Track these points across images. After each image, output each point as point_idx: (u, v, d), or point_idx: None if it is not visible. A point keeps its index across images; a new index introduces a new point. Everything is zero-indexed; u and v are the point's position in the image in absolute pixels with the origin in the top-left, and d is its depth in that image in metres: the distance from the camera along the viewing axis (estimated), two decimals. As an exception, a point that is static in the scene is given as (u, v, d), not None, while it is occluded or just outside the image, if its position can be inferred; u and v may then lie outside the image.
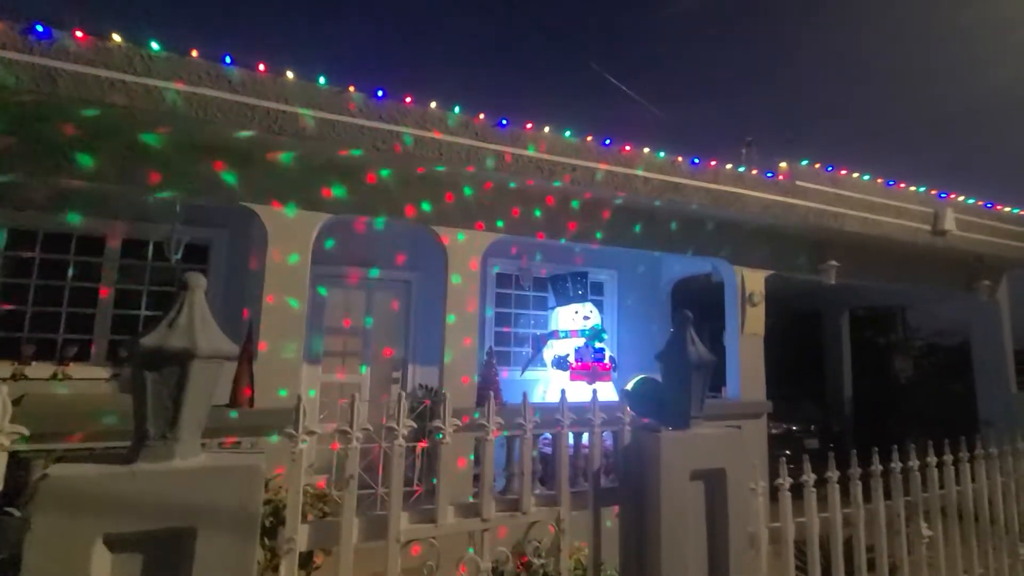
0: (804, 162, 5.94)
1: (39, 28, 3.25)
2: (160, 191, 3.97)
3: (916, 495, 2.71)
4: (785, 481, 2.24)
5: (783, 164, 5.89)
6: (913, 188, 6.58)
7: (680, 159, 5.19)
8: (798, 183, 5.81)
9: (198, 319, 1.11)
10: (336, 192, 4.39)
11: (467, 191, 4.80)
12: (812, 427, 8.56)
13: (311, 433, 1.55)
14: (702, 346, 1.83)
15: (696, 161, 5.27)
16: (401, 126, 4.14)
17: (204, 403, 1.11)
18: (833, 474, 2.37)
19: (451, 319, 4.69)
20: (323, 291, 5.98)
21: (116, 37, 3.42)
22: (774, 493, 2.25)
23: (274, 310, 4.15)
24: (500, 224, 4.93)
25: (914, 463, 2.76)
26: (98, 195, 4.92)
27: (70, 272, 5.18)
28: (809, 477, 2.30)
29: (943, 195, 6.76)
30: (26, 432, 1.13)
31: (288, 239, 4.24)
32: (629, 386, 1.93)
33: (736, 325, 6.03)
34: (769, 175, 5.69)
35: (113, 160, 3.83)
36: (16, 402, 4.18)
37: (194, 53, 3.62)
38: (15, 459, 3.60)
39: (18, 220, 5.01)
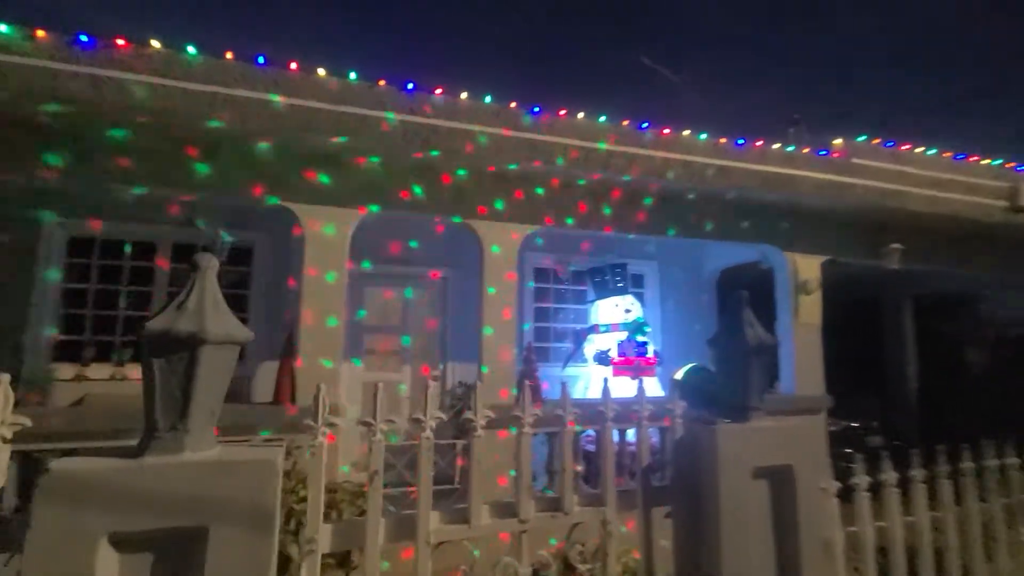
0: (861, 138, 5.52)
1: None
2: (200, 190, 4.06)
3: (1017, 497, 2.39)
4: (862, 479, 1.99)
5: (838, 141, 5.49)
6: (986, 161, 6.01)
7: (724, 140, 4.91)
8: (855, 161, 5.41)
9: (209, 302, 1.04)
10: (366, 190, 4.37)
11: (500, 184, 4.70)
12: (874, 423, 8.00)
13: (331, 425, 1.48)
14: (760, 328, 1.65)
15: (741, 142, 4.97)
16: (432, 119, 4.07)
17: (217, 392, 1.04)
18: (918, 472, 2.10)
19: (487, 316, 4.60)
20: (362, 293, 6.01)
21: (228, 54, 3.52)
22: (844, 494, 2.01)
23: (315, 302, 4.17)
24: (535, 217, 4.80)
25: (1011, 461, 2.44)
26: (149, 201, 5.11)
27: (126, 278, 5.39)
28: (890, 476, 2.05)
29: (1022, 168, 6.16)
30: (28, 423, 1.08)
31: (324, 240, 4.25)
32: (679, 375, 1.76)
33: (789, 315, 5.67)
34: (823, 153, 5.31)
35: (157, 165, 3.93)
36: (78, 401, 4.37)
37: (229, 56, 3.67)
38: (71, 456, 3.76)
39: (78, 229, 5.25)
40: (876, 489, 2.05)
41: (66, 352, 5.09)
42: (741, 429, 1.54)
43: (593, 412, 1.86)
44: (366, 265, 5.86)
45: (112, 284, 5.34)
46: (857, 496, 1.99)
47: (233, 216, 5.33)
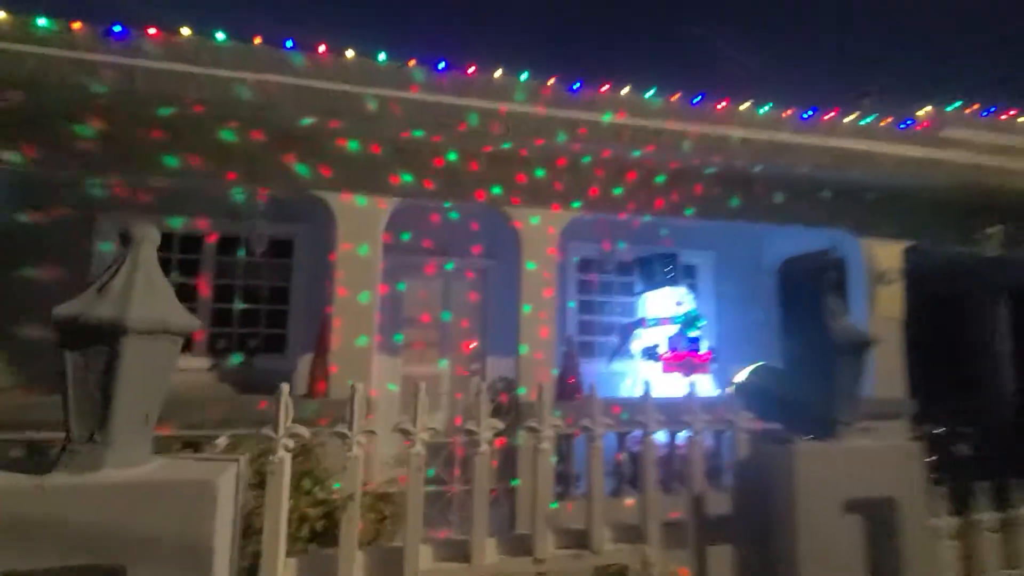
0: (953, 106, 4.84)
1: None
2: (237, 185, 4.02)
3: None
4: (984, 516, 1.54)
5: (924, 110, 4.84)
6: (1111, 129, 5.14)
7: (788, 113, 4.40)
8: (944, 133, 4.74)
9: (140, 283, 0.85)
10: (402, 177, 4.20)
11: (539, 168, 4.41)
12: (960, 430, 7.15)
13: (370, 433, 1.28)
14: (850, 321, 1.30)
15: (808, 115, 4.45)
16: (464, 98, 3.84)
17: (150, 393, 0.84)
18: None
19: (526, 308, 4.34)
20: (402, 286, 5.90)
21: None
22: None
23: (347, 297, 4.06)
24: (577, 203, 4.49)
25: None
26: (194, 194, 5.18)
27: (174, 269, 5.51)
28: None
29: None
30: (306, 433, 0.91)
31: (357, 228, 4.12)
32: (741, 377, 1.44)
33: (864, 308, 5.08)
34: (906, 124, 4.69)
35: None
36: None
37: (258, 40, 3.58)
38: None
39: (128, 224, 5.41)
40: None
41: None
42: (826, 449, 1.21)
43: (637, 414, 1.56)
44: (404, 254, 5.72)
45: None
46: (978, 536, 1.54)
47: (274, 208, 5.32)
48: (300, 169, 4.07)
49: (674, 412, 4.62)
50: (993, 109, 4.92)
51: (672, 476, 4.59)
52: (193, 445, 3.78)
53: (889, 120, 4.68)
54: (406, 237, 5.65)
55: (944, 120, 4.78)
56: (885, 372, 4.94)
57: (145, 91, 3.40)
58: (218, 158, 3.95)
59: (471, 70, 3.87)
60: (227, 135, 3.93)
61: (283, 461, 1.12)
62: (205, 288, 5.53)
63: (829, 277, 1.36)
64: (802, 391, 1.30)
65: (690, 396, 1.52)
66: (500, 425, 1.41)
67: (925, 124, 4.75)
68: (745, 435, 1.42)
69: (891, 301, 5.07)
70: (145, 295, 0.84)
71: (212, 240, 5.56)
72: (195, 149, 3.92)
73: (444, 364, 5.96)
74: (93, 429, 0.78)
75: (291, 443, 1.18)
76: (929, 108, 4.88)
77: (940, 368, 8.04)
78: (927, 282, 7.76)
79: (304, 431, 1.25)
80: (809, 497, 1.17)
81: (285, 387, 1.26)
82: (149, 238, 0.90)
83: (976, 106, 4.86)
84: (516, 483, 3.91)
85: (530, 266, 4.36)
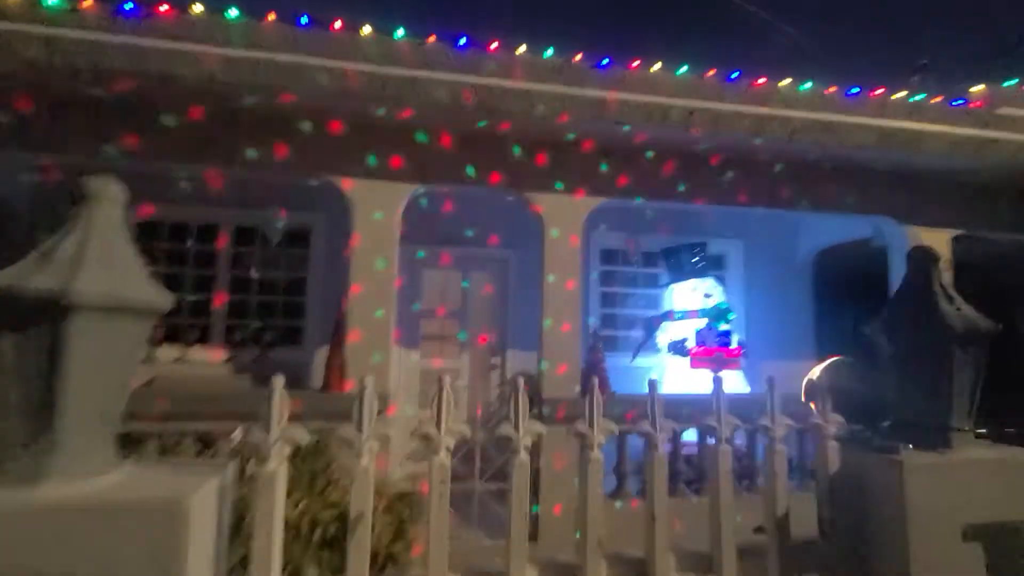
0: (1010, 82, 4.47)
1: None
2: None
3: None
4: None
5: (978, 87, 4.48)
6: None
7: (833, 89, 4.11)
8: (1001, 111, 4.39)
9: (95, 250, 0.68)
10: (410, 161, 4.02)
11: (561, 149, 4.20)
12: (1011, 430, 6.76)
13: (384, 439, 1.13)
14: (967, 305, 1.08)
15: (855, 91, 4.14)
16: (481, 76, 3.64)
17: (110, 386, 0.67)
18: None
19: (548, 299, 4.14)
20: (418, 274, 5.75)
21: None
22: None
23: (365, 282, 3.91)
24: (601, 188, 4.27)
25: None
26: (208, 184, 5.09)
27: (190, 261, 5.44)
28: None
29: None
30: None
31: (372, 214, 3.97)
32: (815, 374, 1.23)
33: (910, 300, 4.76)
34: (958, 103, 4.35)
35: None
36: (148, 384, 4.37)
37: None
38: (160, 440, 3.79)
39: (146, 212, 5.34)
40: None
41: (137, 334, 5.21)
42: (941, 463, 0.99)
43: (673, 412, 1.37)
44: (421, 247, 5.57)
45: (178, 267, 5.40)
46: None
47: (291, 196, 5.21)
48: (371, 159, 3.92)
49: (703, 410, 4.41)
50: (1054, 85, 4.54)
51: (703, 476, 4.36)
52: (206, 440, 3.69)
53: (939, 99, 4.35)
54: (422, 222, 5.49)
55: (1000, 98, 4.43)
56: (932, 369, 4.63)
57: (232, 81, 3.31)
58: (232, 144, 3.82)
59: (493, 47, 3.67)
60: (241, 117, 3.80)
61: (275, 474, 0.94)
62: (222, 280, 5.45)
63: (930, 254, 1.13)
64: (903, 392, 1.09)
65: (771, 393, 1.32)
66: (541, 429, 1.24)
67: (979, 103, 4.40)
68: (833, 442, 1.21)
69: (939, 293, 4.74)
70: (100, 264, 0.67)
71: (227, 231, 5.47)
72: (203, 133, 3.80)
73: (464, 357, 5.80)
74: (35, 431, 0.61)
75: (287, 449, 1.01)
76: (982, 86, 4.53)
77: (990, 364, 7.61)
78: (972, 273, 7.33)
79: (301, 435, 1.09)
80: (922, 521, 0.96)
81: (278, 380, 1.09)
82: (108, 195, 0.73)
83: (1035, 83, 4.49)
84: (536, 509, 3.74)
85: (552, 254, 4.16)
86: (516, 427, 1.17)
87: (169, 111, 3.67)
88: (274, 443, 0.99)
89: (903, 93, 4.22)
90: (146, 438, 3.64)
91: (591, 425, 1.19)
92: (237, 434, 3.63)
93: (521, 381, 1.29)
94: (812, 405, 1.28)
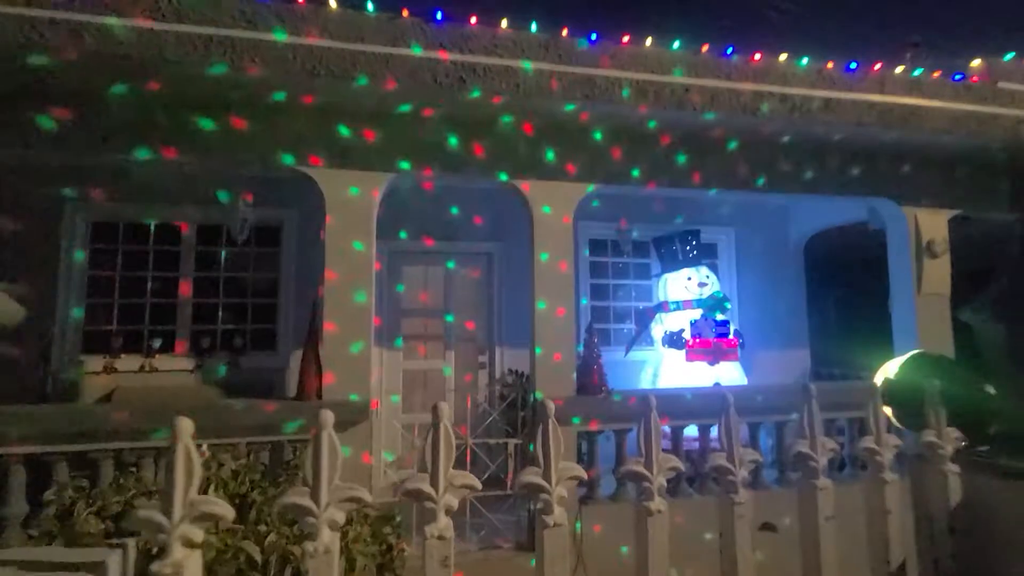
0: (1009, 56, 4.34)
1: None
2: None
3: None
4: None
5: (976, 62, 4.34)
6: None
7: (831, 65, 3.92)
8: (1001, 85, 4.25)
9: None
10: (390, 147, 3.72)
11: (548, 133, 3.93)
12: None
13: (351, 503, 0.88)
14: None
15: (853, 67, 3.96)
16: (468, 54, 3.35)
17: None
18: None
19: (539, 295, 3.88)
20: (400, 269, 5.44)
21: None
22: None
23: (341, 270, 3.60)
24: (591, 174, 4.02)
25: None
26: (171, 179, 4.71)
27: (151, 263, 5.04)
28: None
29: None
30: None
31: (349, 203, 3.66)
32: (887, 373, 0.99)
33: (910, 284, 4.63)
34: (957, 78, 4.20)
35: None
36: (108, 395, 3.98)
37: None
38: (118, 459, 3.44)
39: (101, 214, 4.93)
40: None
41: (93, 344, 4.81)
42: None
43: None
44: (402, 235, 5.25)
45: (138, 270, 5.00)
46: None
47: (259, 189, 4.85)
48: (284, 139, 3.59)
49: (705, 403, 4.20)
50: (1051, 59, 4.43)
51: (704, 475, 4.17)
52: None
53: (938, 74, 4.19)
54: (404, 215, 5.17)
55: (999, 72, 4.29)
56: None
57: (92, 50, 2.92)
58: (189, 127, 3.47)
59: (472, 21, 3.37)
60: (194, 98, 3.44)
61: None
62: (186, 282, 5.07)
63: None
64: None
65: (872, 409, 1.10)
66: (580, 473, 1.00)
67: (978, 77, 4.26)
68: (952, 466, 0.98)
69: (938, 276, 4.62)
70: None
71: (190, 230, 5.08)
72: (159, 117, 3.44)
73: (450, 355, 5.52)
74: None
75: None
76: (979, 61, 4.39)
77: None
78: (964, 255, 7.29)
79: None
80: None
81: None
82: None
83: (1032, 56, 4.37)
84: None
85: (542, 244, 3.90)
86: (547, 474, 0.90)
87: (113, 91, 3.30)
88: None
89: (902, 68, 4.05)
90: (101, 459, 3.31)
91: (649, 465, 0.91)
92: (204, 450, 3.32)
93: (550, 406, 1.04)
94: (889, 412, 1.06)
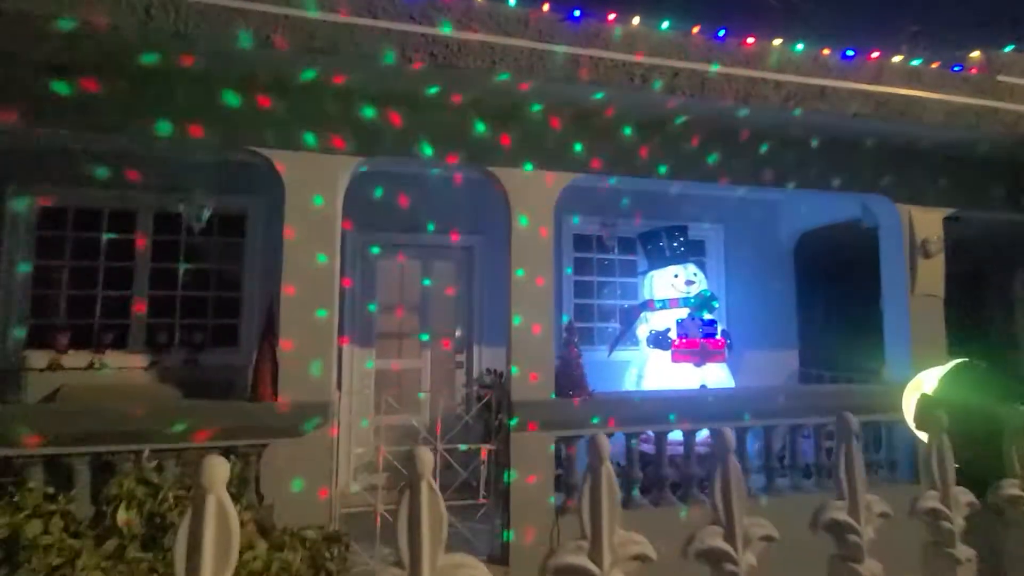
0: (1008, 48, 4.18)
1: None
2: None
3: None
4: None
5: (975, 54, 4.17)
6: None
7: (827, 52, 3.71)
8: (1001, 78, 4.09)
9: None
10: (360, 130, 3.44)
11: (530, 117, 3.68)
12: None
13: None
14: None
15: (850, 55, 3.76)
16: (435, 27, 3.07)
17: None
18: None
19: (517, 297, 3.63)
20: (374, 253, 5.15)
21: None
22: None
23: (300, 270, 3.31)
24: (575, 163, 3.78)
25: None
26: (126, 162, 4.38)
27: (103, 253, 4.70)
28: None
29: None
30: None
31: (311, 191, 3.37)
32: (929, 385, 0.77)
33: (903, 284, 4.46)
34: (956, 69, 4.02)
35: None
36: (52, 395, 3.63)
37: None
38: (56, 464, 3.11)
39: (48, 198, 4.58)
40: None
41: (39, 338, 4.46)
42: None
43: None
44: (374, 229, 4.97)
45: (88, 260, 4.66)
46: None
47: (222, 176, 4.54)
48: (235, 121, 3.29)
49: (691, 407, 3.99)
50: (1051, 53, 4.27)
51: (689, 480, 3.96)
52: (108, 466, 3.05)
53: (937, 64, 4.01)
54: (377, 205, 4.89)
55: (998, 64, 4.12)
56: (925, 355, 4.32)
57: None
58: (130, 106, 3.15)
59: (445, -9, 3.10)
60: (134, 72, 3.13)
61: None
62: (141, 274, 4.72)
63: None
64: None
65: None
66: (649, 553, 0.75)
67: (977, 68, 4.09)
68: None
69: (932, 276, 4.46)
70: None
71: (146, 218, 4.75)
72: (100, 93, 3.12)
73: (425, 355, 5.25)
74: None
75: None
76: (978, 53, 4.22)
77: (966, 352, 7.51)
78: (956, 255, 7.18)
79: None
80: None
81: (604, 446, 0.57)
82: None
83: (1032, 49, 4.21)
84: (509, 537, 3.25)
85: (521, 237, 3.64)
86: (597, 550, 0.65)
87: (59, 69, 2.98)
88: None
89: (900, 58, 3.86)
90: (30, 466, 2.99)
91: (732, 537, 0.64)
92: (147, 455, 3.02)
93: (604, 446, 0.77)
94: (925, 437, 0.84)
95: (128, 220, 4.72)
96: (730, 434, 0.78)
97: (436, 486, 0.72)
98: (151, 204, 4.71)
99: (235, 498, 2.21)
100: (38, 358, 4.37)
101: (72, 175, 4.41)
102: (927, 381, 0.90)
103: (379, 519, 3.48)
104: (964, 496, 0.87)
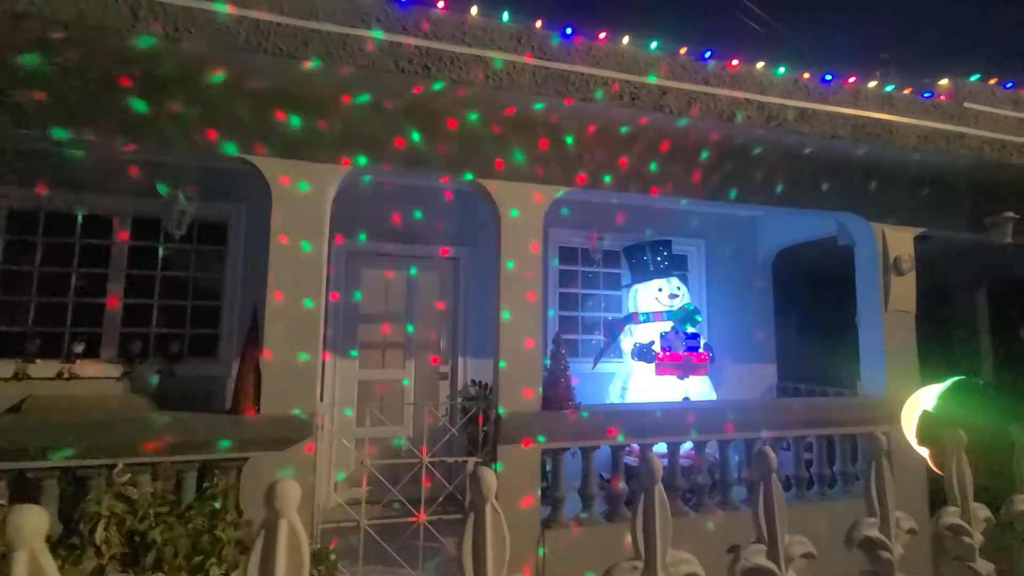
0: (974, 77, 4.39)
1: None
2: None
3: None
4: None
5: (943, 81, 4.38)
6: None
7: (807, 76, 3.85)
8: (967, 105, 4.29)
9: None
10: (351, 138, 3.42)
11: (519, 131, 3.71)
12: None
13: None
14: None
15: (829, 79, 3.90)
16: (433, 41, 3.09)
17: None
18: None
19: (506, 297, 3.63)
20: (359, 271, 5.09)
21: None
22: None
23: (286, 279, 3.25)
24: (564, 176, 3.82)
25: None
26: (102, 164, 4.27)
27: (76, 258, 4.54)
28: None
29: None
30: None
31: (298, 200, 3.33)
32: (927, 402, 0.79)
33: (877, 301, 4.60)
34: (927, 95, 4.21)
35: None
36: (17, 406, 3.45)
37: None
38: (21, 480, 2.95)
39: (20, 201, 4.41)
40: None
41: (5, 347, 4.28)
42: None
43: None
44: (362, 237, 4.94)
45: (61, 265, 4.50)
46: None
47: (204, 182, 4.45)
48: (224, 126, 3.24)
49: (675, 418, 4.02)
50: (1012, 84, 4.51)
51: (672, 491, 3.98)
52: (79, 481, 2.92)
53: (908, 90, 4.20)
54: (364, 215, 4.85)
55: (965, 92, 4.33)
56: (899, 369, 4.47)
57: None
58: (117, 108, 3.08)
59: (440, 5, 3.13)
60: (124, 73, 3.06)
61: None
62: (116, 281, 4.58)
63: None
64: None
65: None
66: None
67: (946, 96, 4.29)
68: None
69: (905, 292, 4.62)
70: None
71: (124, 223, 4.62)
72: (81, 92, 3.04)
73: (410, 365, 5.19)
74: None
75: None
76: (946, 81, 4.43)
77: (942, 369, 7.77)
78: (922, 273, 7.44)
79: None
80: None
81: (656, 465, 0.54)
82: None
83: (993, 80, 4.44)
84: None
85: (509, 249, 3.65)
86: (652, 574, 0.64)
87: (24, 60, 2.90)
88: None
89: (875, 83, 4.03)
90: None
91: (775, 554, 0.64)
92: (119, 470, 2.90)
93: (656, 466, 0.75)
94: (928, 456, 0.86)
95: (104, 225, 4.58)
96: (772, 455, 0.79)
97: (499, 507, 0.71)
98: (128, 209, 4.58)
99: (217, 515, 2.14)
100: (3, 367, 4.18)
101: (46, 178, 4.27)
102: (926, 398, 0.93)
103: (362, 535, 3.41)
104: (982, 512, 0.90)
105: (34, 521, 0.56)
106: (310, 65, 2.95)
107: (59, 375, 4.31)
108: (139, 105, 3.11)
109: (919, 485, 4.14)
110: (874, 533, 0.82)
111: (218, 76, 3.08)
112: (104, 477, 2.84)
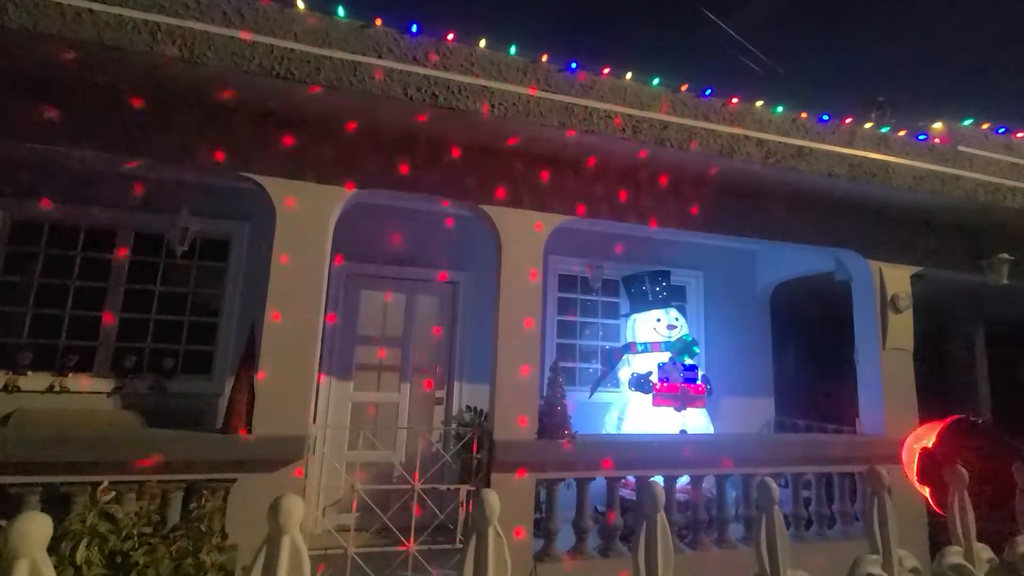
0: (967, 121, 4.50)
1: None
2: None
3: None
4: None
5: (937, 125, 4.48)
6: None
7: (804, 115, 3.94)
8: (961, 148, 4.39)
9: None
10: (356, 163, 3.48)
11: (523, 161, 3.78)
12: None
13: None
14: None
15: (826, 118, 4.00)
16: (441, 71, 3.18)
17: None
18: None
19: (504, 325, 3.63)
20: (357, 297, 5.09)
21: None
22: None
23: (286, 299, 3.25)
24: (565, 205, 3.87)
25: None
26: (108, 180, 4.32)
27: (76, 271, 4.54)
28: None
29: None
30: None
31: (300, 222, 3.36)
32: (927, 440, 0.81)
33: (875, 338, 4.61)
34: (921, 138, 4.31)
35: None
36: (5, 419, 3.40)
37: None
38: (3, 495, 2.88)
39: (23, 212, 4.44)
40: None
41: (-3, 357, 4.24)
42: None
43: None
44: (360, 259, 4.96)
45: (61, 278, 4.49)
46: None
47: (207, 201, 4.50)
48: (231, 148, 3.30)
49: (669, 452, 3.97)
50: (1004, 129, 4.63)
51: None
52: (64, 498, 2.86)
53: (904, 132, 4.30)
54: (362, 238, 4.88)
55: (959, 136, 4.44)
56: (898, 408, 4.44)
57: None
58: (127, 128, 3.14)
59: (449, 37, 3.23)
60: (135, 94, 3.13)
61: None
62: (114, 295, 4.57)
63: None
64: None
65: None
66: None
67: (940, 139, 4.39)
68: None
69: (902, 330, 4.63)
70: None
71: (125, 238, 4.64)
72: (91, 111, 3.10)
73: (405, 388, 5.14)
74: None
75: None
76: (940, 124, 4.54)
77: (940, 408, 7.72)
78: (920, 312, 7.46)
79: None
80: None
81: (773, 487, 0.57)
82: None
83: (986, 125, 4.55)
84: None
85: (510, 274, 3.67)
86: None
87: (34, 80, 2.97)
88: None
89: (870, 124, 4.13)
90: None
91: None
92: (103, 487, 2.84)
93: (659, 490, 0.76)
94: (927, 491, 0.86)
95: (106, 238, 4.60)
96: (775, 485, 0.79)
97: (501, 531, 0.70)
98: (130, 223, 4.61)
99: (200, 537, 2.09)
100: (-7, 379, 4.13)
101: (51, 191, 4.32)
102: (925, 436, 0.93)
103: (349, 563, 3.33)
104: (984, 552, 0.89)
105: (40, 529, 0.56)
106: (319, 90, 3.02)
107: (50, 388, 4.26)
108: (147, 122, 3.17)
109: (919, 524, 4.06)
110: (876, 570, 0.80)
111: (228, 97, 3.15)
112: (88, 495, 2.79)
